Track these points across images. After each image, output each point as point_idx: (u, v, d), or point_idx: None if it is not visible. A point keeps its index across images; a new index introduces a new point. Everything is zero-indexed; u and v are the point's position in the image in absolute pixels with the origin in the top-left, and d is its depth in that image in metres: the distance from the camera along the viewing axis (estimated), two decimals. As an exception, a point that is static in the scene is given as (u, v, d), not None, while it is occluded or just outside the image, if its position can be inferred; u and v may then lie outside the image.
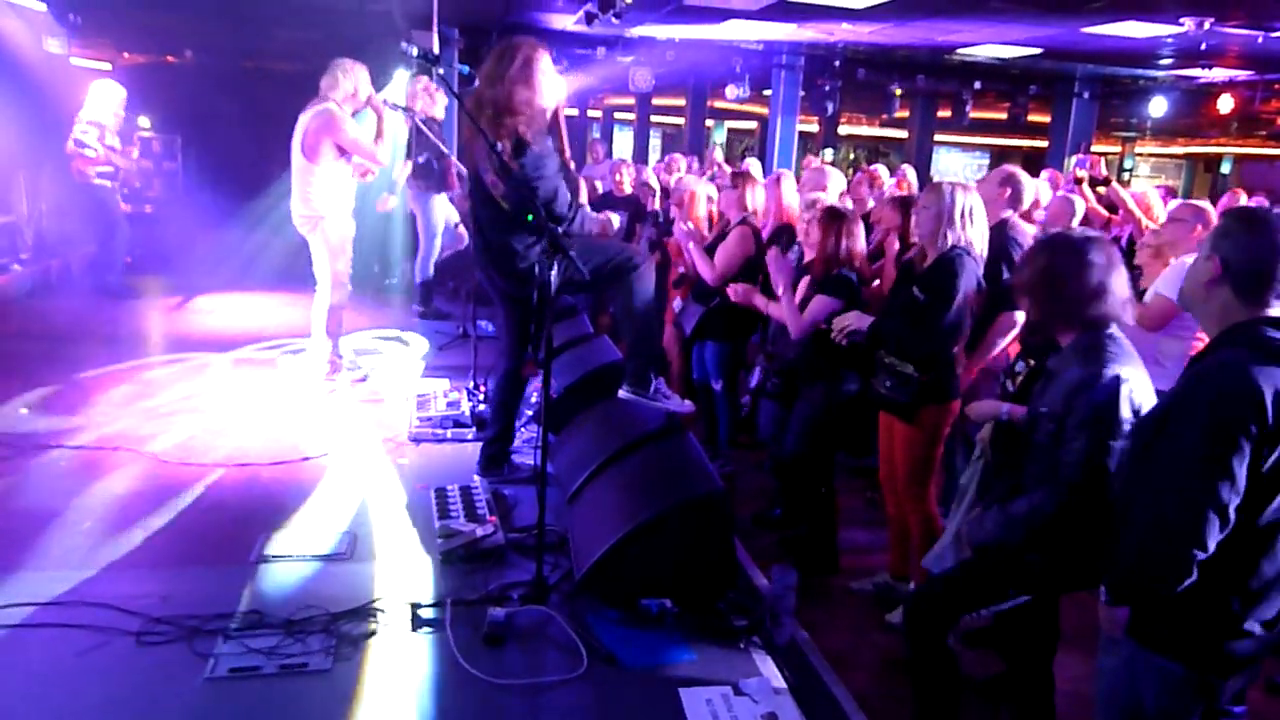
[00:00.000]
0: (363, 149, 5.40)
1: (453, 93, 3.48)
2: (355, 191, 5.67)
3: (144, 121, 11.06)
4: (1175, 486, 1.89)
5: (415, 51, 3.35)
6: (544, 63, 3.65)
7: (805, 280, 4.20)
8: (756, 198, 5.02)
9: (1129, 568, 1.98)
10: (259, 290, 8.32)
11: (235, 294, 8.19)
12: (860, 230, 4.09)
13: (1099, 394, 2.38)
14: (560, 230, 3.50)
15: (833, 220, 4.05)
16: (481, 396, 5.14)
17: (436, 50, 6.91)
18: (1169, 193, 8.01)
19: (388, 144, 5.58)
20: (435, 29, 7.57)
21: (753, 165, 8.19)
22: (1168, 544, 1.89)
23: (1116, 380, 2.39)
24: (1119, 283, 2.49)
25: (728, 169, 8.23)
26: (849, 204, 5.59)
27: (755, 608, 3.18)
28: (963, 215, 3.44)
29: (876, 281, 4.48)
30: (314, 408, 5.21)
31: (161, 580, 3.17)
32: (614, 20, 8.13)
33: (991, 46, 11.08)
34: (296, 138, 5.34)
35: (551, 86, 3.69)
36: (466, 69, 3.67)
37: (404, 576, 3.27)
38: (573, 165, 3.98)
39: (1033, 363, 3.23)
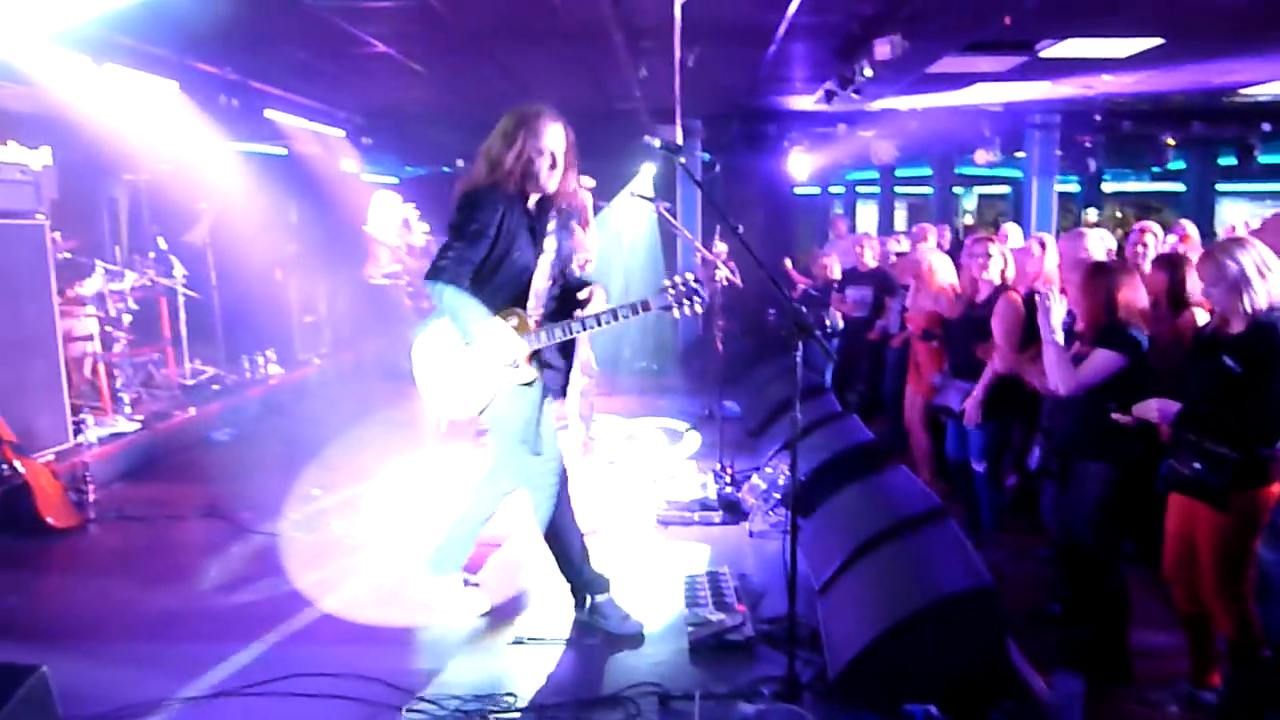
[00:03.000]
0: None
1: (695, 180, 3.52)
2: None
3: (423, 226, 12.21)
4: None
5: (657, 143, 3.45)
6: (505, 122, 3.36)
7: (1075, 347, 3.86)
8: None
9: None
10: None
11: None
12: (1139, 285, 3.74)
13: None
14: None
15: (1097, 275, 3.74)
16: (728, 479, 5.08)
17: (680, 141, 7.12)
18: None
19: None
20: (678, 121, 7.82)
21: (1011, 231, 7.74)
22: None
23: None
24: None
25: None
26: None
27: (1034, 719, 2.85)
28: (1258, 272, 3.04)
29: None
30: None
31: (427, 657, 3.35)
32: (854, 96, 8.06)
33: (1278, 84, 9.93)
34: None
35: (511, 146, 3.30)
36: (709, 156, 3.71)
37: (653, 664, 3.23)
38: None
39: None
